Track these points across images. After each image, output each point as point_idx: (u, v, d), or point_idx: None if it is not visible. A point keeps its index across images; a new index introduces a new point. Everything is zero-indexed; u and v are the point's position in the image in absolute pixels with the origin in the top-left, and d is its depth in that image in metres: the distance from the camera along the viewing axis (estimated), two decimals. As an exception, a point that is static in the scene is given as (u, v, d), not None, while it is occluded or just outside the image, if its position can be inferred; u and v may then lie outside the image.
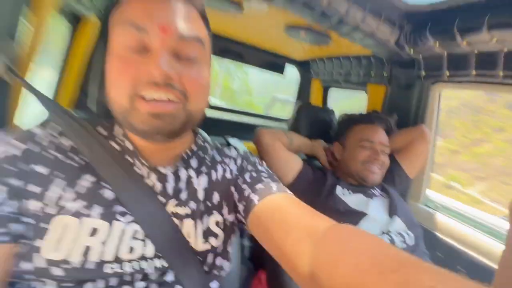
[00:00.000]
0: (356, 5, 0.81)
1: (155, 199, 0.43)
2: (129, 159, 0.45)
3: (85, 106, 0.69)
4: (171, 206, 0.44)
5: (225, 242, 0.49)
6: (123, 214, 0.40)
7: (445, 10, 0.79)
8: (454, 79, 0.94)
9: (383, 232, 0.81)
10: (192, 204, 0.46)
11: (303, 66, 1.83)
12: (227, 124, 1.79)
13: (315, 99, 1.80)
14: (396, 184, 1.05)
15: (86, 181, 0.40)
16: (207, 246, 0.45)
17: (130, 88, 0.37)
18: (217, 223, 0.48)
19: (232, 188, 0.51)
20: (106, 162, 0.42)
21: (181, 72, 0.39)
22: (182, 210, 0.45)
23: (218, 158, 0.54)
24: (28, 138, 0.40)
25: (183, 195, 0.46)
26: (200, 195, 0.47)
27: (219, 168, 0.52)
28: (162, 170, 0.45)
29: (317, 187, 0.93)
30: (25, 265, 0.36)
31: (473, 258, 0.90)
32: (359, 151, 0.97)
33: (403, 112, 1.14)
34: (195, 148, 0.52)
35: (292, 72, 1.95)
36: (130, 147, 0.45)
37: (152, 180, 0.45)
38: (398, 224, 0.84)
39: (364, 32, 0.88)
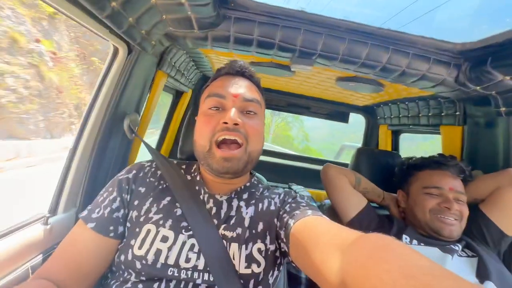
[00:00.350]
0: (399, 51, 0.85)
1: (210, 220, 0.55)
2: (196, 187, 0.61)
3: (176, 154, 0.98)
4: (222, 229, 0.55)
5: (266, 271, 0.53)
6: (186, 229, 0.54)
7: (505, 42, 0.73)
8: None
9: None
10: (239, 230, 0.55)
11: (369, 112, 1.81)
12: (292, 170, 1.88)
13: (384, 144, 1.70)
14: (488, 242, 0.84)
15: (166, 200, 0.57)
16: (248, 271, 0.52)
17: (210, 134, 0.57)
18: (259, 251, 0.54)
19: (275, 220, 0.58)
20: (180, 188, 0.59)
21: (244, 121, 0.58)
22: (230, 234, 0.54)
23: (266, 193, 0.65)
24: (137, 168, 0.63)
25: (232, 221, 0.56)
26: (246, 222, 0.57)
27: (266, 201, 0.62)
28: (219, 198, 0.59)
29: (381, 232, 0.86)
30: (121, 257, 0.53)
31: None
32: (425, 199, 0.85)
33: (488, 153, 0.98)
34: (248, 184, 0.65)
35: (358, 119, 1.95)
36: (198, 178, 0.63)
37: (210, 205, 0.58)
38: None
39: (411, 75, 0.89)
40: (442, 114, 1.18)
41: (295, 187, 1.69)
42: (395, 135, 1.67)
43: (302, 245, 0.45)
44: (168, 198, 0.58)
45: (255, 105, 0.61)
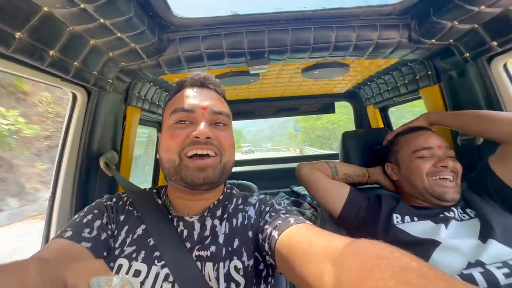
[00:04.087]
0: (344, 27, 0.86)
1: (182, 245, 0.53)
2: (166, 210, 0.59)
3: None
4: (196, 250, 0.53)
5: None
6: (159, 259, 0.51)
7: None
8: (508, 45, 0.76)
9: (471, 264, 0.60)
10: (213, 248, 0.53)
11: (351, 96, 1.80)
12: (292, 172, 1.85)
13: (376, 124, 1.66)
14: (493, 197, 0.77)
15: (140, 229, 0.55)
16: None
17: (179, 148, 0.54)
18: (236, 268, 0.51)
19: (251, 233, 0.56)
20: (149, 215, 0.58)
21: (216, 134, 0.57)
22: (204, 253, 0.52)
23: (240, 206, 0.62)
24: (117, 197, 0.62)
25: (207, 241, 0.54)
26: (221, 239, 0.54)
27: (240, 215, 0.59)
28: (189, 219, 0.57)
29: (373, 218, 0.82)
30: None
31: None
32: (419, 163, 0.81)
33: (471, 102, 0.93)
34: (221, 197, 0.62)
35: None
36: (167, 201, 0.61)
37: (181, 227, 0.56)
38: (497, 249, 0.61)
39: (366, 47, 0.89)
40: (417, 77, 1.16)
41: (296, 188, 1.66)
42: (384, 112, 1.63)
43: (290, 259, 0.43)
44: (143, 227, 0.56)
45: (224, 117, 0.60)
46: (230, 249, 0.53)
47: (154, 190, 0.66)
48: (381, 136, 1.15)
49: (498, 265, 0.58)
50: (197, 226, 0.56)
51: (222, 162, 0.56)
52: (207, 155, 0.54)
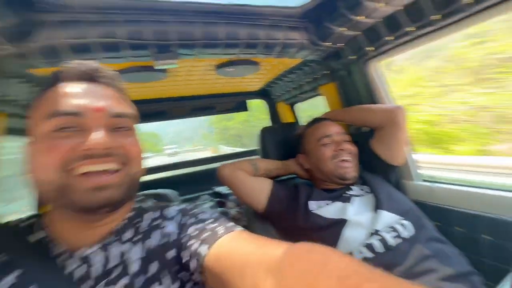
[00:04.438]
0: (256, 25, 0.87)
1: None
2: (48, 247, 0.43)
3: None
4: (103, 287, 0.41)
5: None
6: None
7: None
8: (380, 50, 0.95)
9: (371, 234, 0.72)
10: (125, 280, 0.42)
11: (263, 94, 1.89)
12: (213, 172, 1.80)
13: (286, 119, 1.81)
14: (377, 171, 0.97)
15: (12, 276, 0.39)
16: None
17: (61, 164, 0.38)
18: None
19: (173, 252, 0.47)
20: (24, 255, 0.41)
21: (120, 141, 0.43)
22: None
23: (156, 222, 0.51)
24: None
25: (115, 273, 0.43)
26: (135, 267, 0.44)
27: (157, 234, 0.49)
28: (88, 251, 0.43)
29: (292, 208, 0.87)
30: None
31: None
32: (322, 149, 0.94)
33: (357, 99, 1.13)
34: (131, 215, 0.50)
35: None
36: (44, 235, 0.45)
37: (72, 267, 0.42)
38: (386, 218, 0.75)
39: (274, 46, 0.93)
40: (317, 76, 1.31)
41: (218, 188, 1.62)
42: (292, 107, 1.79)
43: (222, 275, 0.38)
44: (17, 273, 0.39)
45: (128, 120, 0.46)
46: (147, 276, 0.44)
47: (30, 221, 0.48)
48: (294, 129, 1.26)
49: (387, 230, 0.72)
50: (99, 258, 0.43)
51: (129, 175, 0.44)
52: (106, 171, 0.41)
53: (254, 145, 1.62)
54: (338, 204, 0.83)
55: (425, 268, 0.63)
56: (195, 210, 0.53)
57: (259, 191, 0.91)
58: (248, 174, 0.95)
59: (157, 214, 0.53)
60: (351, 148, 0.94)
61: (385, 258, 0.67)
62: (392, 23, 0.83)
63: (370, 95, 1.09)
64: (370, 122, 1.01)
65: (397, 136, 0.93)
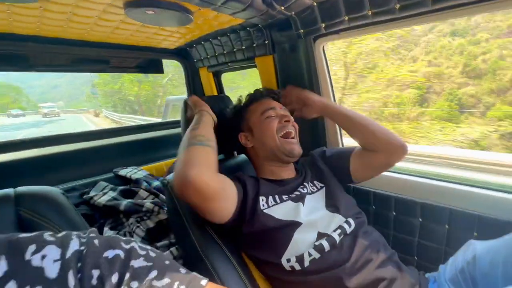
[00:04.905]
0: None
1: None
2: None
3: None
4: None
5: None
6: None
7: None
8: (331, 29, 0.88)
9: (320, 234, 0.70)
10: None
11: (182, 55, 1.56)
12: (108, 150, 1.39)
13: (210, 89, 1.58)
14: (338, 177, 0.91)
15: None
16: None
17: None
18: None
19: None
20: None
21: None
22: None
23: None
24: None
25: None
26: None
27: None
28: None
29: (241, 209, 0.73)
30: None
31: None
32: (268, 123, 0.85)
33: (296, 77, 1.06)
34: None
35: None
36: None
37: None
38: (337, 219, 0.75)
39: None
40: (254, 45, 1.15)
41: (124, 171, 1.27)
42: (217, 77, 1.57)
43: None
44: None
45: None
46: None
47: None
48: (225, 104, 1.08)
49: (335, 229, 0.72)
50: None
51: None
52: None
53: (151, 113, 1.31)
54: (289, 204, 0.76)
55: (366, 259, 0.67)
56: (125, 260, 0.34)
57: (228, 196, 0.71)
58: (215, 171, 0.69)
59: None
60: (295, 123, 0.89)
61: (332, 257, 0.66)
62: (352, 2, 0.77)
63: (310, 77, 1.04)
64: (365, 138, 0.85)
65: (381, 169, 0.88)
